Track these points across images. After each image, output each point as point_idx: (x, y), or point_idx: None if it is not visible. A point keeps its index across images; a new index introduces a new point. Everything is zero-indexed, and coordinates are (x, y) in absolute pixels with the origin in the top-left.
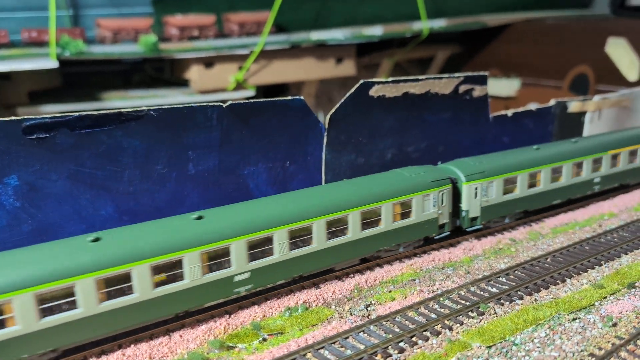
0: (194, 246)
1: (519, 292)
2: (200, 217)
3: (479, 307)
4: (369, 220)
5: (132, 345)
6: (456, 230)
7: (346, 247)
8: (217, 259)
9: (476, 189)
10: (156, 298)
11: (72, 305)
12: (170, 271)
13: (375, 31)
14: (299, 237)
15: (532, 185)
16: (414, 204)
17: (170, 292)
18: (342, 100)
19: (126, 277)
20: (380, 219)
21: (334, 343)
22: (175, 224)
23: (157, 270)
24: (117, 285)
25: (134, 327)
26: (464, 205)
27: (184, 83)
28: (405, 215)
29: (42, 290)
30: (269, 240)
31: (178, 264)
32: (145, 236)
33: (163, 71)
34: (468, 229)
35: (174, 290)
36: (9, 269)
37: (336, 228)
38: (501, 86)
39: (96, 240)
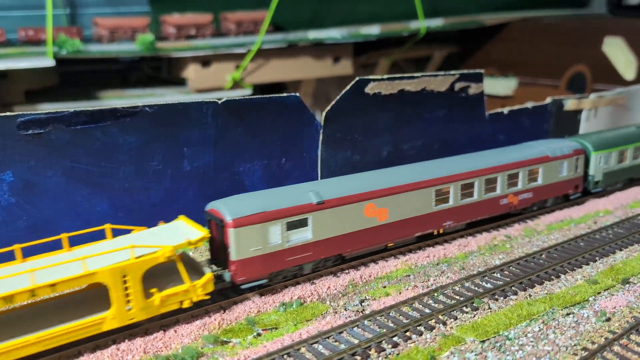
0: None
1: (513, 288)
2: None
3: (473, 303)
4: None
5: (126, 340)
6: None
7: None
8: None
9: None
10: None
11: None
12: None
13: (373, 30)
14: None
15: None
16: None
17: None
18: (338, 97)
19: None
20: None
21: (328, 338)
22: None
23: None
24: None
25: None
26: None
27: (181, 82)
28: None
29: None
30: None
31: None
32: None
33: (160, 70)
34: None
35: None
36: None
37: None
38: (498, 85)
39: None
